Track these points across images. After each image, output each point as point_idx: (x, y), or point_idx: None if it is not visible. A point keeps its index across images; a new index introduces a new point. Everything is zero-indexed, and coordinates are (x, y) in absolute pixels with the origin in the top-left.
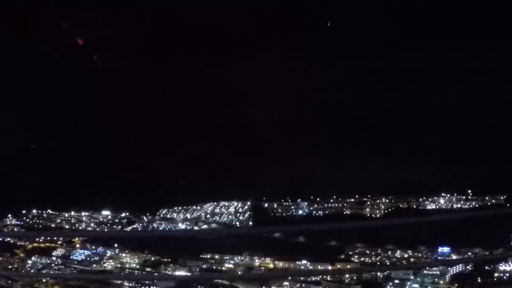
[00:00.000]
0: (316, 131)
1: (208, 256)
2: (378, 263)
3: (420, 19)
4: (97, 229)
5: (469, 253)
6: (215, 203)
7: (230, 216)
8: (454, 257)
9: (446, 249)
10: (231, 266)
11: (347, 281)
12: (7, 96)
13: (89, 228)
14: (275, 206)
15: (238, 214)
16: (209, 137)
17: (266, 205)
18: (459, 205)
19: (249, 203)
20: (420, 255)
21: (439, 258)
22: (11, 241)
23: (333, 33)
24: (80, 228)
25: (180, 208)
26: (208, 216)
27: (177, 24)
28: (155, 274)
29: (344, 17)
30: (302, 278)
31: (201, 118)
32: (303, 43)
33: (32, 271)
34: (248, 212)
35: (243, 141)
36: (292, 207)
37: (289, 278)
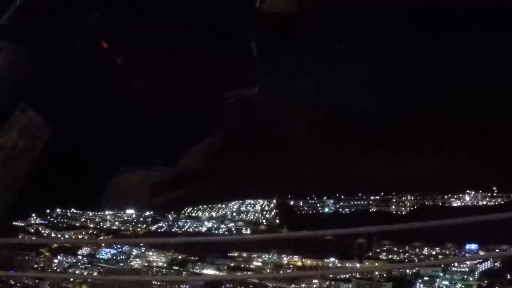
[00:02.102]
0: (340, 129)
1: (236, 254)
2: (407, 261)
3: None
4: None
5: (497, 250)
6: (240, 201)
7: (256, 214)
8: (482, 254)
9: (473, 246)
10: (259, 264)
11: (377, 278)
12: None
13: (114, 227)
14: (301, 204)
15: (265, 212)
16: (234, 134)
17: (291, 203)
18: (484, 202)
19: (274, 201)
20: (447, 252)
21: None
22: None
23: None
24: (104, 227)
25: (205, 206)
26: (234, 214)
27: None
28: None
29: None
30: (331, 276)
31: (224, 116)
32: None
33: (58, 270)
34: (274, 210)
35: (268, 139)
36: (318, 205)
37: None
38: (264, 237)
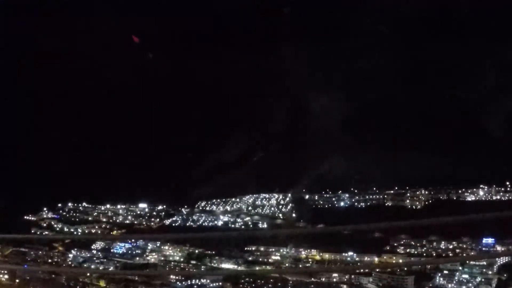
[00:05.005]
0: (355, 125)
1: (253, 248)
2: (424, 254)
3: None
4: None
5: None
6: (255, 195)
7: (272, 208)
8: (498, 248)
9: (490, 241)
10: (277, 258)
11: (397, 272)
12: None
13: (127, 221)
14: (316, 198)
15: (280, 206)
16: (249, 130)
17: (307, 197)
18: (498, 197)
19: (290, 195)
20: (464, 246)
21: (484, 249)
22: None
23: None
24: (117, 221)
25: (219, 200)
26: (249, 208)
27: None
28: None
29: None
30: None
31: (239, 112)
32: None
33: (73, 265)
34: (290, 204)
35: (283, 134)
36: (333, 199)
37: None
38: (282, 232)
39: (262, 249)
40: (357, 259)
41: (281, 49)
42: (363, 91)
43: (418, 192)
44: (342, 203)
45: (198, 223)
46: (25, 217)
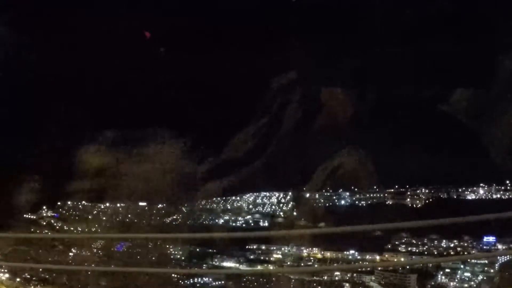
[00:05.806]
0: (355, 123)
1: (255, 247)
2: (426, 253)
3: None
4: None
5: None
6: (255, 193)
7: (273, 207)
8: (499, 246)
9: (491, 239)
10: (279, 256)
11: (400, 270)
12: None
13: (127, 220)
14: (317, 197)
15: (281, 205)
16: (250, 128)
17: (307, 195)
18: (498, 196)
19: (290, 193)
20: (465, 244)
21: (485, 247)
22: (49, 233)
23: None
24: (117, 219)
25: (219, 199)
26: (250, 206)
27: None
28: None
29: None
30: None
31: (240, 110)
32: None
33: (74, 263)
34: (291, 203)
35: (284, 133)
36: (334, 198)
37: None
38: (283, 233)
39: (263, 247)
40: (358, 257)
41: (280, 43)
42: (364, 90)
43: (418, 191)
44: (343, 202)
45: (198, 222)
46: (25, 215)
